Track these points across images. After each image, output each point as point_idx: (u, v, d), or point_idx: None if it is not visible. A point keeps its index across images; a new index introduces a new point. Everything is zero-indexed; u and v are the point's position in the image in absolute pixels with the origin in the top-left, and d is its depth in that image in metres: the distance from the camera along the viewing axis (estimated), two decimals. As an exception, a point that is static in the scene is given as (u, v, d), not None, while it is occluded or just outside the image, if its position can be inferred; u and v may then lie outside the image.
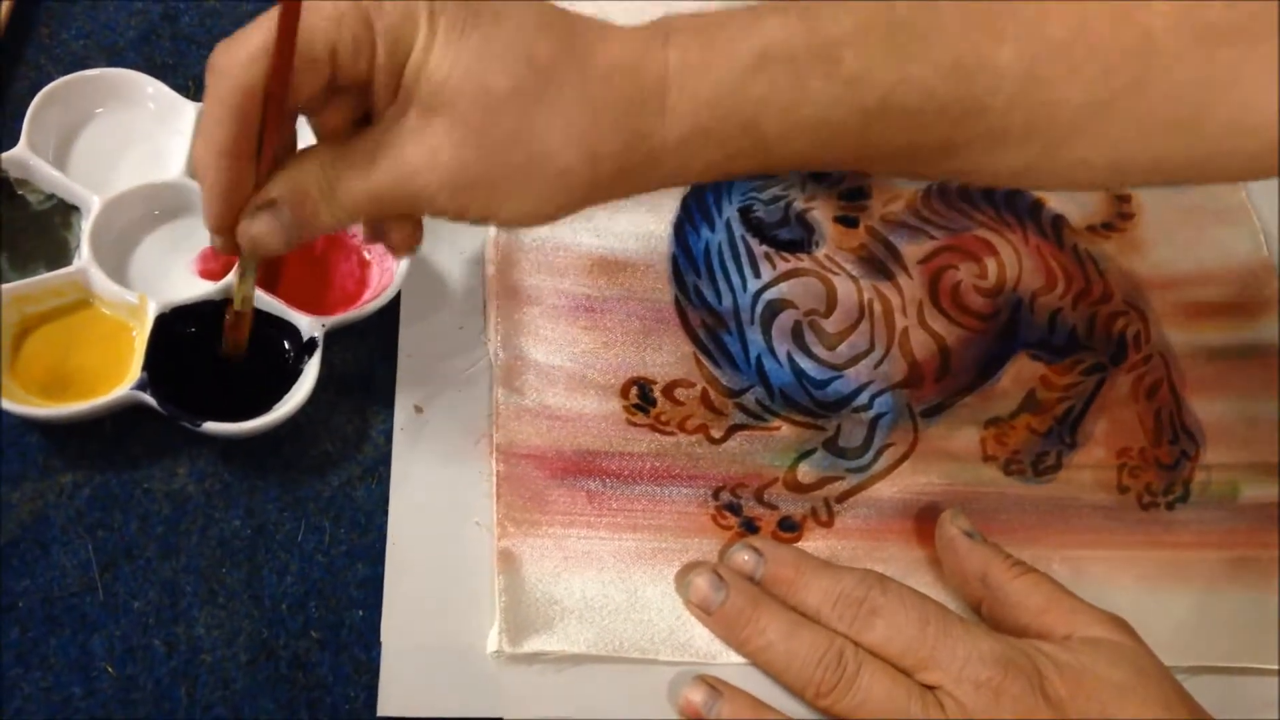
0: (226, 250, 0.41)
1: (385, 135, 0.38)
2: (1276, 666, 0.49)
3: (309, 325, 0.47)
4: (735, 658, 0.46)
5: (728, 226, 0.55)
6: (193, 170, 0.49)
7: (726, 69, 0.39)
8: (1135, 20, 0.38)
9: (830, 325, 0.54)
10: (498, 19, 0.37)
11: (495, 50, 0.37)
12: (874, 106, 0.39)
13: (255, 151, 0.38)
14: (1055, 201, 0.59)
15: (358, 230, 0.50)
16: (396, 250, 0.44)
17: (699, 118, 0.39)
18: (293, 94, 0.37)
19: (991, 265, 0.57)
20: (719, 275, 0.54)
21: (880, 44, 0.39)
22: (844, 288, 0.55)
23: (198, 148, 0.39)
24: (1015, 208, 0.59)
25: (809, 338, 0.53)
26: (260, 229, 0.39)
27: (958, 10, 0.39)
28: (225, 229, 0.40)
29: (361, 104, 0.39)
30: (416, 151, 0.38)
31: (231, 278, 0.47)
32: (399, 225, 0.42)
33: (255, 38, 0.36)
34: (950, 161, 0.42)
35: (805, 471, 0.50)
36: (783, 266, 0.55)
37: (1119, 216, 0.60)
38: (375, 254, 0.50)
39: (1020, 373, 0.54)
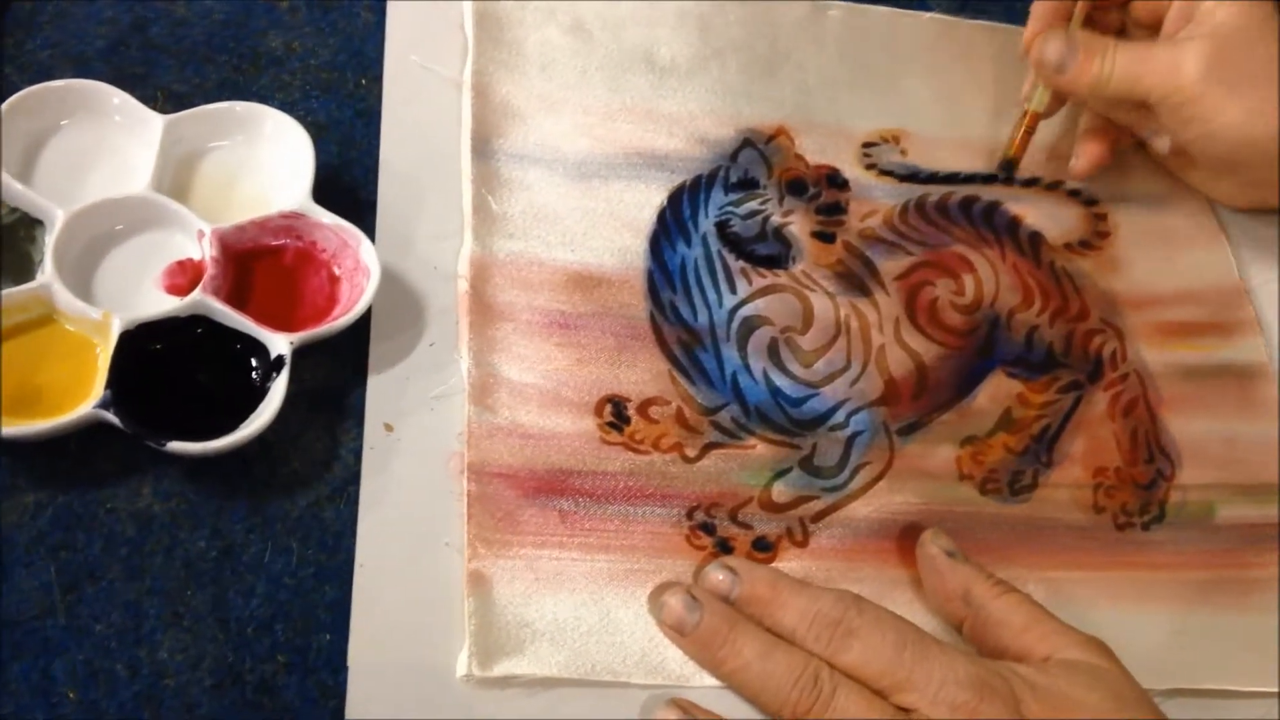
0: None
1: (1156, 44, 0.56)
2: (1250, 688, 0.49)
3: (277, 342, 0.46)
4: (709, 681, 0.45)
5: (704, 242, 0.55)
6: (156, 185, 0.48)
7: None
8: None
9: (806, 342, 0.53)
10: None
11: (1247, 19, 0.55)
12: None
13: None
14: (1032, 219, 0.59)
15: (328, 245, 0.49)
16: (1084, 164, 0.60)
17: None
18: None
19: (969, 282, 0.56)
20: (695, 291, 0.54)
21: None
22: (820, 304, 0.54)
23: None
24: (993, 224, 0.58)
25: (785, 355, 0.53)
26: (1051, 48, 0.56)
27: None
28: (1028, 41, 0.58)
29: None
30: (1171, 55, 0.54)
31: (1025, 87, 0.60)
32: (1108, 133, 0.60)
33: None
34: None
35: (780, 491, 0.50)
36: (759, 283, 0.54)
37: (1095, 234, 0.60)
38: (345, 270, 0.50)
39: (997, 390, 0.54)
